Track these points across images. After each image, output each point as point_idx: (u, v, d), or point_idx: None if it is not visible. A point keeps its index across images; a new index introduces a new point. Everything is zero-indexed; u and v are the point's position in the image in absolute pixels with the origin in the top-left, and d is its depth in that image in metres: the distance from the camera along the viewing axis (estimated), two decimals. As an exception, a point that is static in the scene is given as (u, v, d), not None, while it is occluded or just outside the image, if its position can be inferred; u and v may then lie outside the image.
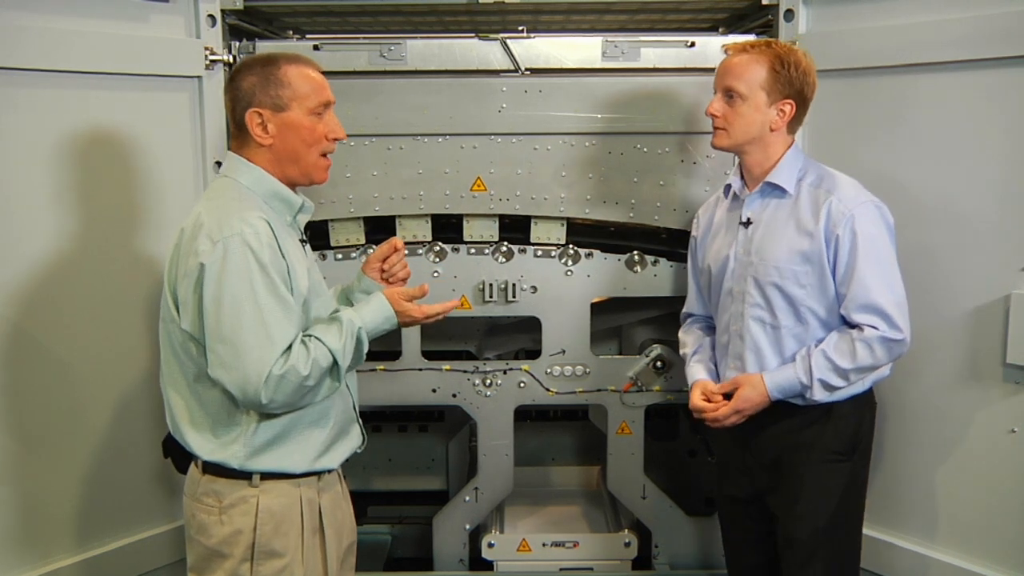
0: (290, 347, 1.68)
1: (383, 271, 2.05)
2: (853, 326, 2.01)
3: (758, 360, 2.10)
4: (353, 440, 1.96)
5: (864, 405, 2.11)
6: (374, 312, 1.84)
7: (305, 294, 1.77)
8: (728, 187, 2.22)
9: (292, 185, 1.85)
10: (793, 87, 2.03)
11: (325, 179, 1.88)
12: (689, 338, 2.35)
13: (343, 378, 1.78)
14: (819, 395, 2.01)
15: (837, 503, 2.07)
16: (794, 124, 2.10)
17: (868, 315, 1.98)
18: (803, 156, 2.14)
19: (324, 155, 1.85)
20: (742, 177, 2.17)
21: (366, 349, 1.82)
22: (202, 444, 1.78)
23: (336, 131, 1.84)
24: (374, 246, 2.05)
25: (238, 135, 1.82)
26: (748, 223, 2.12)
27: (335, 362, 1.73)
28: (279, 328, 1.66)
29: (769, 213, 2.10)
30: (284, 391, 1.66)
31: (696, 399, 2.16)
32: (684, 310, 2.44)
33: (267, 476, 1.78)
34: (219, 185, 1.81)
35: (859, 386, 2.07)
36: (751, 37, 2.60)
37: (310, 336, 1.73)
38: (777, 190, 2.08)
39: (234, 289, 1.64)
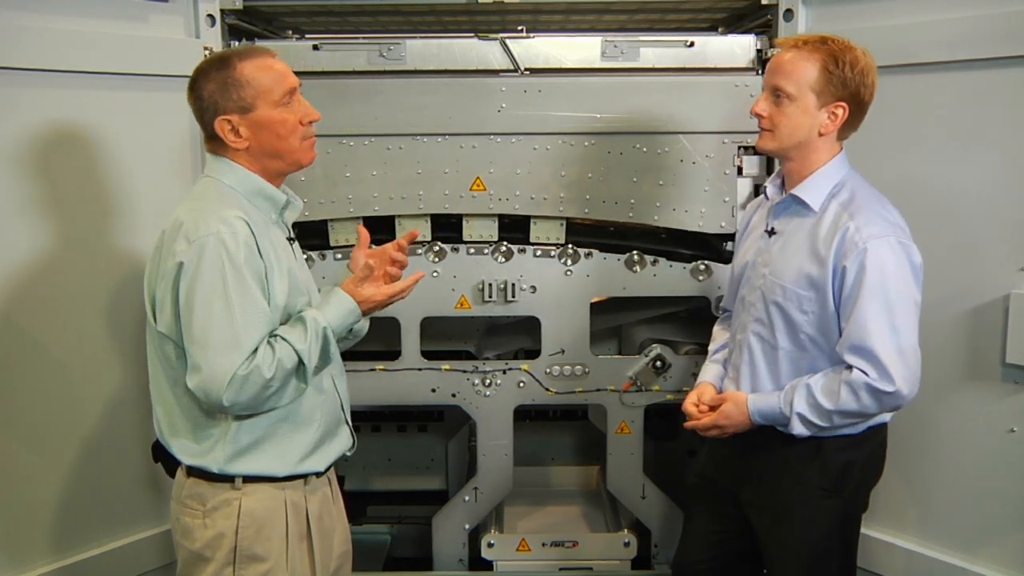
0: (256, 349, 1.65)
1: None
2: (849, 366, 1.86)
3: (752, 377, 2.01)
4: (342, 442, 1.93)
5: (857, 445, 1.95)
6: (335, 308, 1.77)
7: (285, 293, 1.75)
8: (765, 189, 2.08)
9: (279, 176, 1.83)
10: (847, 89, 1.86)
11: (313, 157, 1.84)
12: (720, 335, 2.26)
13: (310, 380, 1.74)
14: (797, 429, 1.89)
15: (821, 537, 1.97)
16: (846, 130, 1.93)
17: (858, 358, 1.82)
18: (846, 170, 1.95)
19: (305, 138, 1.80)
20: (782, 182, 2.02)
21: (334, 348, 1.77)
22: (183, 448, 1.77)
23: (309, 113, 1.79)
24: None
25: (211, 140, 1.79)
26: (772, 232, 2.00)
27: (300, 362, 1.69)
28: (247, 330, 1.64)
29: (792, 227, 1.96)
30: (247, 393, 1.64)
31: (687, 402, 2.10)
32: (723, 304, 2.36)
33: (250, 479, 1.76)
34: (202, 185, 1.79)
35: (850, 428, 1.93)
36: (750, 37, 2.61)
37: (276, 337, 1.69)
38: (802, 205, 1.94)
39: (206, 290, 1.63)
